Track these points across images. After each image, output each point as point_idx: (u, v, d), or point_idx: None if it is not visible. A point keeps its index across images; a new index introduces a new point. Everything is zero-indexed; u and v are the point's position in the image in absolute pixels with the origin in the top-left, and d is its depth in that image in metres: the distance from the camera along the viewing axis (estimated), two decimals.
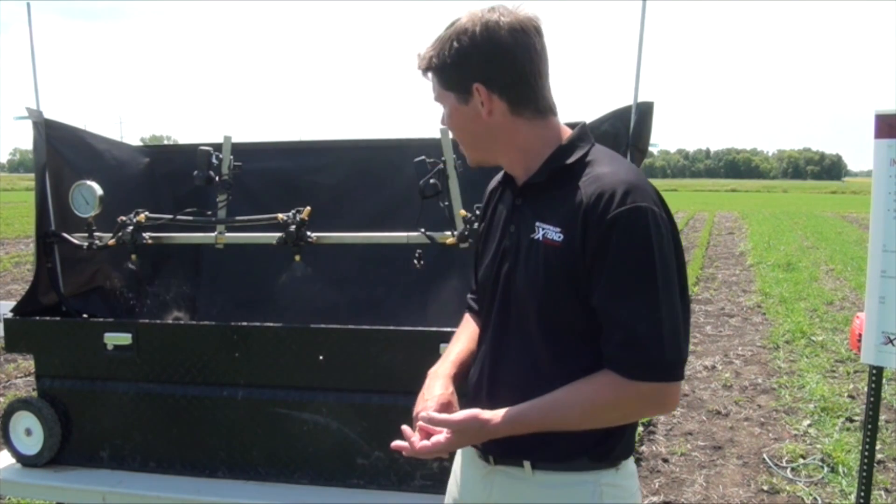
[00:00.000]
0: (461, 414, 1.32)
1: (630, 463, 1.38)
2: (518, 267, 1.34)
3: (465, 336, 1.58)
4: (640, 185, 1.27)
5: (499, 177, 1.52)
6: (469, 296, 1.64)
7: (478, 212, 2.34)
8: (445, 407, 1.38)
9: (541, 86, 1.35)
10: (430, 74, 1.38)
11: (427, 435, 1.34)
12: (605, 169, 1.30)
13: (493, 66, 1.31)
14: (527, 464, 1.34)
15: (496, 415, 1.30)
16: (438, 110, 1.45)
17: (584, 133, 1.39)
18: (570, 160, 1.33)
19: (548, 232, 1.30)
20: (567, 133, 1.38)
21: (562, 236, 1.28)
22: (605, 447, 1.32)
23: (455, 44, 1.31)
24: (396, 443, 1.35)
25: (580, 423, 1.28)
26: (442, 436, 1.31)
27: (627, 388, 1.24)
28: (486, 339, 1.43)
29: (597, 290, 1.25)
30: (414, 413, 1.40)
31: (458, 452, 1.55)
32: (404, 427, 1.36)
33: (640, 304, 1.23)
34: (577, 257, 1.26)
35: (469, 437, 1.33)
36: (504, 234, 1.40)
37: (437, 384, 1.44)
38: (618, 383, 1.24)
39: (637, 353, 1.23)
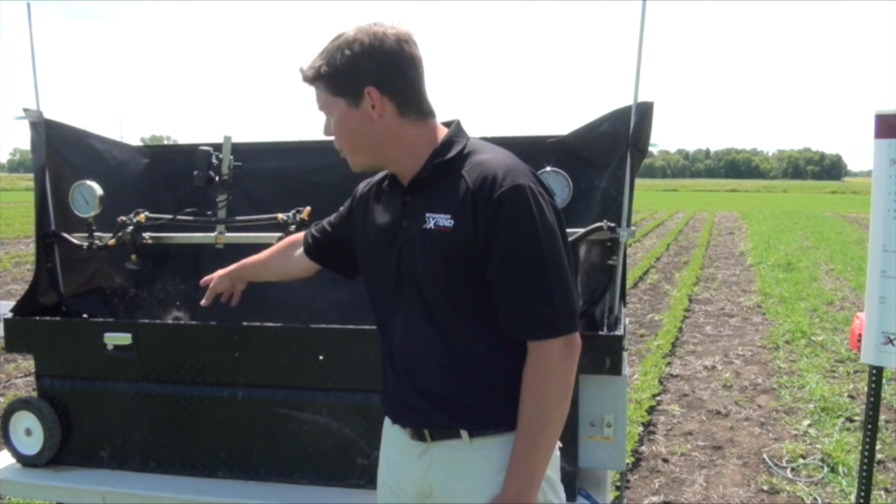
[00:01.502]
0: None
1: None
2: (416, 257, 1.46)
3: (269, 250, 2.06)
4: (517, 166, 1.44)
5: (372, 180, 1.68)
6: (312, 232, 1.91)
7: None
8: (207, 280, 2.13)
9: (423, 91, 1.49)
10: (317, 83, 1.48)
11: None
12: (484, 156, 1.46)
13: (385, 70, 1.43)
14: (464, 434, 1.46)
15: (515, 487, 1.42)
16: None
17: (460, 129, 1.54)
18: (451, 154, 1.47)
19: (438, 220, 1.43)
20: (444, 132, 1.52)
21: (452, 221, 1.42)
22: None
23: (347, 52, 1.43)
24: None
25: (547, 415, 1.41)
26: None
27: (540, 351, 1.39)
28: (397, 327, 1.53)
29: (491, 264, 1.40)
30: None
31: (385, 441, 1.67)
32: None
33: (530, 272, 1.38)
34: (469, 238, 1.40)
35: None
36: (398, 229, 1.51)
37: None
38: (538, 352, 1.40)
39: (537, 314, 1.39)
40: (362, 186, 1.73)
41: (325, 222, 1.90)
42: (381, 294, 1.57)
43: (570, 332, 1.41)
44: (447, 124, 1.55)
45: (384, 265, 1.54)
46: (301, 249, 1.95)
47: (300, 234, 2.00)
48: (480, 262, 1.41)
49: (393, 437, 1.62)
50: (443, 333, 1.47)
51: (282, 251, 2.04)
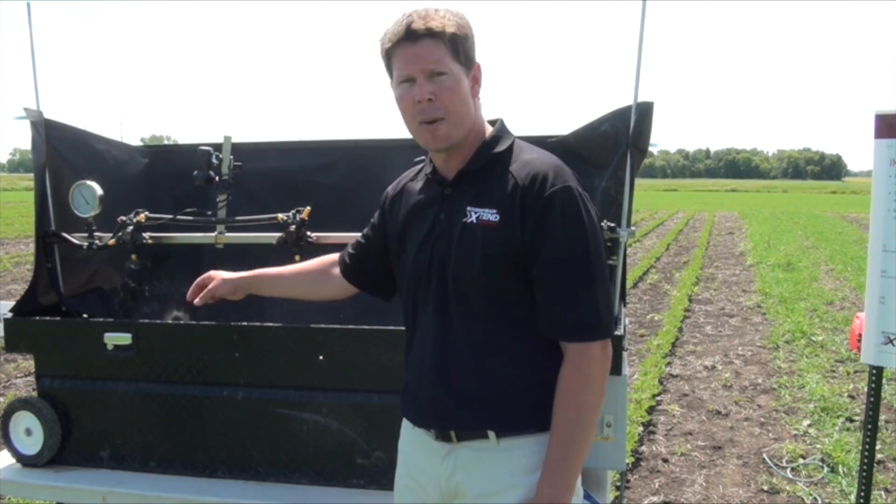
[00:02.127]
0: None
1: None
2: (451, 251, 1.44)
3: (294, 265, 1.92)
4: (565, 168, 1.44)
5: (401, 179, 1.67)
6: (347, 250, 1.82)
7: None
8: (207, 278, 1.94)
9: None
10: (437, 40, 1.38)
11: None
12: (533, 156, 1.45)
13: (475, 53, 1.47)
14: (492, 434, 1.43)
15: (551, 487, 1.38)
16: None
17: (505, 126, 1.53)
18: (500, 149, 1.46)
19: (482, 214, 1.41)
20: (489, 127, 1.51)
21: (498, 216, 1.39)
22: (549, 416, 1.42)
23: (465, 21, 1.41)
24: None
25: (586, 417, 1.40)
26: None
27: (580, 354, 1.38)
28: (426, 326, 1.49)
29: (536, 260, 1.38)
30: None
31: (404, 443, 1.61)
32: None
33: (577, 274, 1.38)
34: (514, 234, 1.38)
35: None
36: (433, 224, 1.48)
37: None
38: (577, 355, 1.39)
39: (580, 315, 1.38)
40: (391, 188, 1.70)
41: (358, 237, 1.81)
42: (411, 291, 1.54)
43: (608, 337, 1.41)
44: (491, 122, 1.53)
45: (416, 261, 1.51)
46: (338, 269, 1.84)
47: (335, 255, 1.89)
48: (521, 260, 1.39)
49: (413, 438, 1.58)
50: (475, 332, 1.44)
51: (317, 270, 1.89)
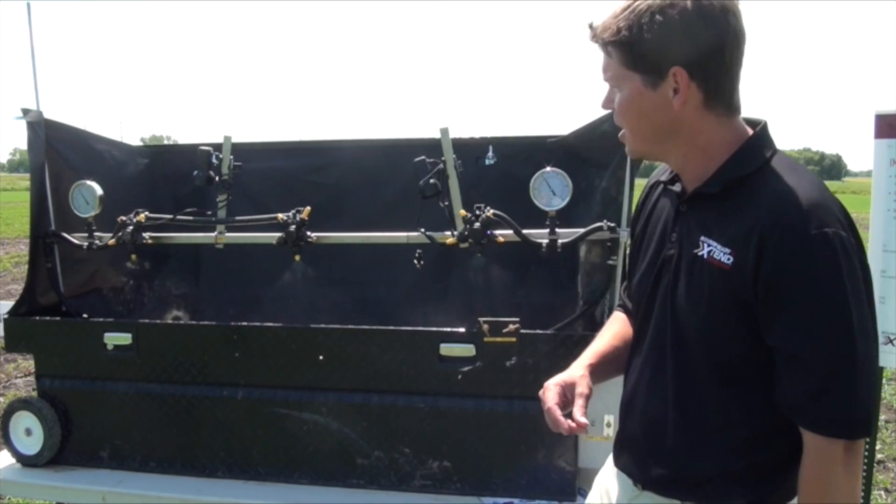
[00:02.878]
0: None
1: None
2: (679, 283, 1.20)
3: (608, 333, 1.46)
4: (826, 205, 1.10)
5: (660, 173, 1.38)
6: (621, 292, 1.53)
7: (481, 211, 2.33)
8: (569, 386, 1.31)
9: (738, 80, 1.18)
10: (609, 49, 1.18)
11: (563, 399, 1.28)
12: (788, 183, 1.12)
13: (701, 50, 1.13)
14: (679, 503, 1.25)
15: None
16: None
17: (767, 137, 1.21)
18: (747, 170, 1.16)
19: (714, 251, 1.14)
20: (746, 135, 1.20)
21: (731, 259, 1.12)
22: (764, 489, 1.18)
23: (659, 17, 1.12)
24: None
25: None
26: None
27: (819, 451, 1.10)
28: (642, 354, 1.30)
29: (776, 328, 1.09)
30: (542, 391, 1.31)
31: (608, 470, 1.46)
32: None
33: (831, 348, 1.07)
34: (746, 284, 1.10)
35: None
36: (663, 241, 1.26)
37: (573, 366, 1.36)
38: (816, 450, 1.10)
39: (829, 405, 1.08)
40: (650, 182, 1.41)
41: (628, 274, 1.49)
42: (636, 313, 1.34)
43: (861, 437, 1.10)
44: (752, 123, 1.22)
45: (641, 280, 1.30)
46: (620, 317, 1.52)
47: (619, 312, 1.55)
48: (753, 316, 1.11)
49: (619, 472, 1.40)
50: (689, 390, 1.20)
51: (618, 331, 1.49)
